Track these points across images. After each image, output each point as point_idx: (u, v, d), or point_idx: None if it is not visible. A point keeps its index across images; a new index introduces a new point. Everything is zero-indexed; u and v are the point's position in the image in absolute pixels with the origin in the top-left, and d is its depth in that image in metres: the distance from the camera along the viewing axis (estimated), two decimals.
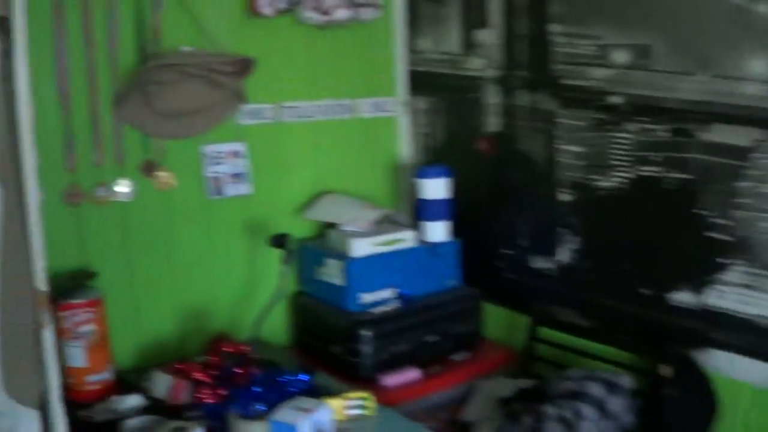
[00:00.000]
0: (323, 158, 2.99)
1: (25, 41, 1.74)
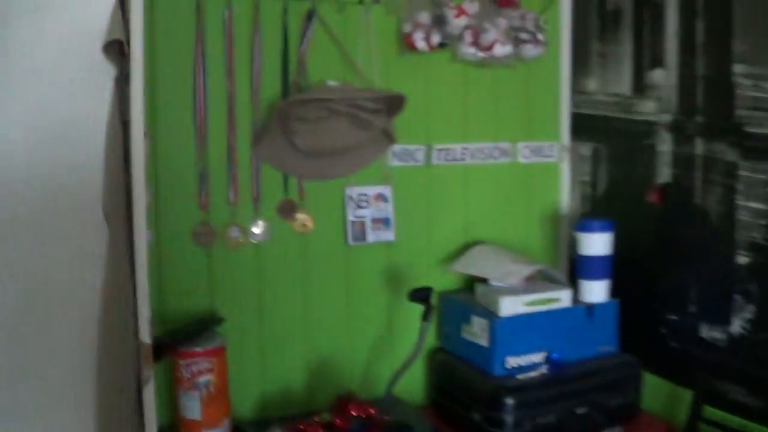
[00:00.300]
0: (474, 205, 2.79)
1: (141, 67, 1.67)
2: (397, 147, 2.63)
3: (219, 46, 2.40)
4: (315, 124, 2.39)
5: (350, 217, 2.60)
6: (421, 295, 2.41)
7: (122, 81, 1.69)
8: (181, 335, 2.20)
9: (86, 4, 1.82)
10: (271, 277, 2.53)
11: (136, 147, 1.64)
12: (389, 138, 2.56)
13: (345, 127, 2.42)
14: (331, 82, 2.48)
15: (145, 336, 1.65)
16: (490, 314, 2.46)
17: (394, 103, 2.46)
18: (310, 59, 2.49)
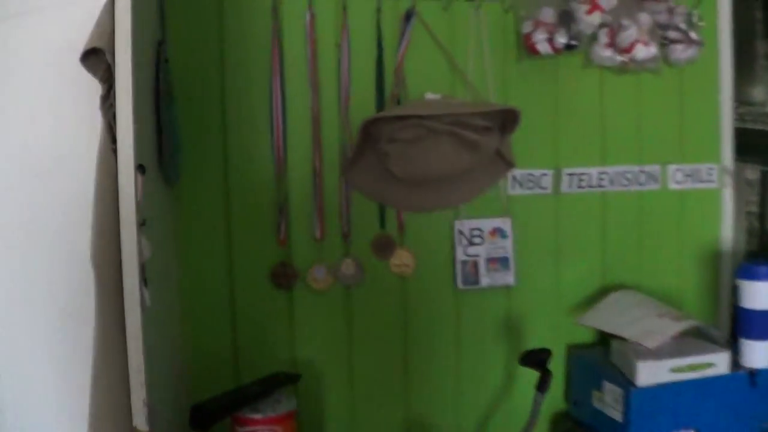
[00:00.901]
0: (613, 242, 2.31)
1: (130, 82, 1.31)
2: (517, 172, 2.21)
3: (300, 53, 2.07)
4: (411, 146, 1.99)
5: (460, 256, 2.19)
6: (535, 359, 1.96)
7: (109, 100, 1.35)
8: (243, 396, 1.83)
9: (70, 11, 1.50)
10: (363, 325, 2.16)
11: (125, 182, 1.29)
12: (506, 161, 2.13)
13: (448, 149, 2.00)
14: (430, 95, 2.09)
15: (141, 421, 1.29)
16: (626, 381, 1.99)
17: (507, 120, 2.03)
18: (409, 68, 2.12)
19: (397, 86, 2.10)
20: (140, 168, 1.32)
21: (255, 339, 2.07)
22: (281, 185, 2.05)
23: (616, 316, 2.13)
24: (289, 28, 2.05)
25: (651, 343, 1.99)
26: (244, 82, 2.03)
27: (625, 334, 2.04)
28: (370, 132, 2.01)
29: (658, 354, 1.99)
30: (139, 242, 1.31)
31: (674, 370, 1.98)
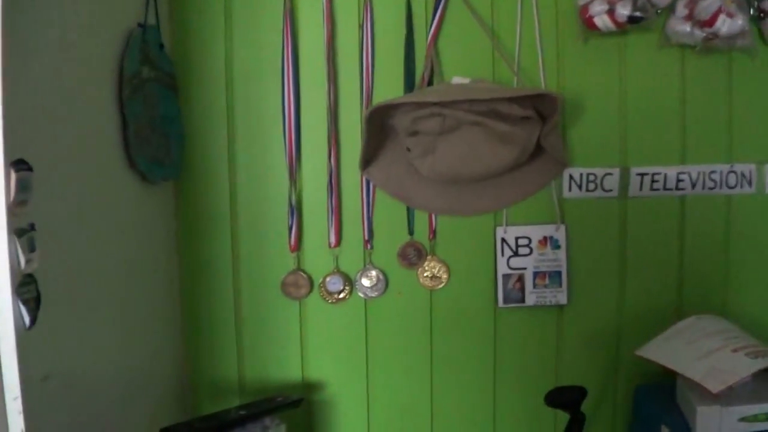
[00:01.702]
0: (692, 257, 1.92)
1: None
2: (574, 171, 1.88)
3: (316, 36, 1.85)
4: (436, 141, 1.74)
5: (502, 269, 1.90)
6: (565, 398, 1.66)
7: None
8: (221, 421, 1.64)
9: None
10: (385, 345, 1.93)
11: None
12: (559, 158, 1.82)
13: (480, 144, 1.72)
14: (458, 79, 1.80)
15: None
16: (686, 429, 1.63)
17: (548, 106, 1.72)
18: (444, 50, 1.85)
19: (429, 71, 1.83)
20: (18, 164, 1.13)
21: (261, 355, 1.90)
22: (293, 185, 1.84)
23: (683, 347, 1.76)
24: (304, 7, 1.84)
25: (714, 386, 1.62)
26: (252, 70, 1.84)
27: (687, 371, 1.67)
28: (387, 123, 1.77)
29: (726, 398, 1.61)
30: (12, 252, 1.12)
31: (745, 420, 1.60)
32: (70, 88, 1.34)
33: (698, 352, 1.70)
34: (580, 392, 1.65)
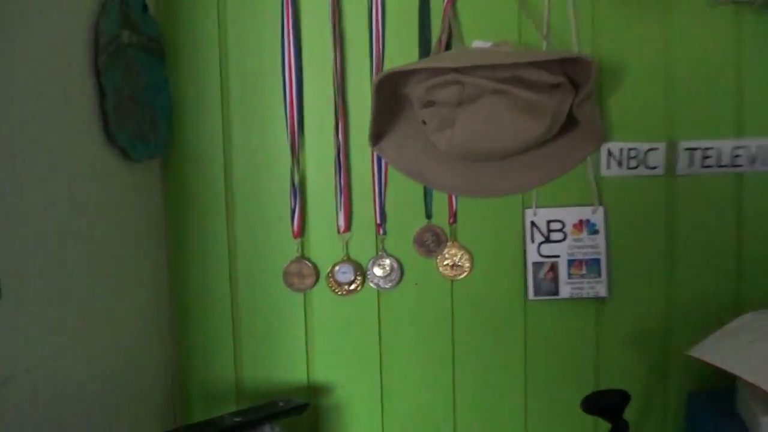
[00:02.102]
0: (752, 243, 1.69)
1: None
2: (613, 146, 1.66)
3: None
4: (455, 112, 1.53)
5: (533, 257, 1.69)
6: (605, 404, 1.45)
7: None
8: (213, 429, 1.45)
9: None
10: (401, 342, 1.72)
11: None
12: (595, 131, 1.61)
13: (503, 115, 1.52)
14: (478, 43, 1.59)
15: None
16: None
17: (582, 74, 1.51)
18: (463, 9, 1.64)
19: (447, 35, 1.62)
20: None
21: (261, 354, 1.71)
22: (295, 163, 1.65)
23: (743, 348, 1.52)
24: None
25: None
26: (248, 34, 1.65)
27: (749, 375, 1.44)
28: (400, 92, 1.57)
29: None
30: None
31: None
32: (36, 54, 1.16)
33: (761, 353, 1.47)
34: (622, 397, 1.43)
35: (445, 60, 1.51)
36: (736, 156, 1.65)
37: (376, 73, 1.62)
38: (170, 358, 1.68)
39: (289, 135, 1.64)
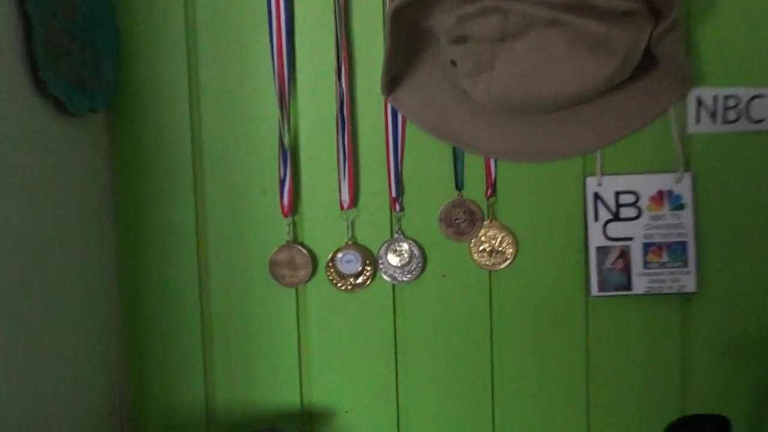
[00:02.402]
0: None
1: None
2: (704, 93, 1.26)
3: None
4: (495, 49, 1.15)
5: (596, 240, 1.29)
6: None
7: None
8: None
9: None
10: (423, 352, 1.33)
11: None
12: (680, 74, 1.23)
13: (561, 52, 1.13)
14: None
15: None
16: None
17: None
18: None
19: None
20: None
21: (240, 371, 1.34)
22: (285, 118, 1.27)
23: None
24: None
25: None
26: None
27: None
28: (422, 25, 1.20)
29: None
30: None
31: None
32: None
33: None
34: (719, 424, 1.08)
35: None
36: None
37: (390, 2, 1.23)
38: (119, 380, 1.30)
39: (276, 81, 1.26)
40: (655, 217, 1.28)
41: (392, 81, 1.25)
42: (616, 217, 1.28)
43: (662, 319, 1.30)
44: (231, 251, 1.30)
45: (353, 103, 1.28)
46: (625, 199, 1.29)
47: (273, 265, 1.29)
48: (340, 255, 1.29)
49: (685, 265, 1.28)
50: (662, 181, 1.28)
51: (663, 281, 1.29)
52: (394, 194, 1.28)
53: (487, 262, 1.30)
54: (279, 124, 1.27)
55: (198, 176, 1.29)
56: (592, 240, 1.29)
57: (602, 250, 1.29)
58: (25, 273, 1.02)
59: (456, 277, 1.30)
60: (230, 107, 1.28)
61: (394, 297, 1.31)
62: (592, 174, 1.28)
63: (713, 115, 1.27)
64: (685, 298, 1.30)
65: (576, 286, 1.29)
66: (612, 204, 1.29)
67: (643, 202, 1.28)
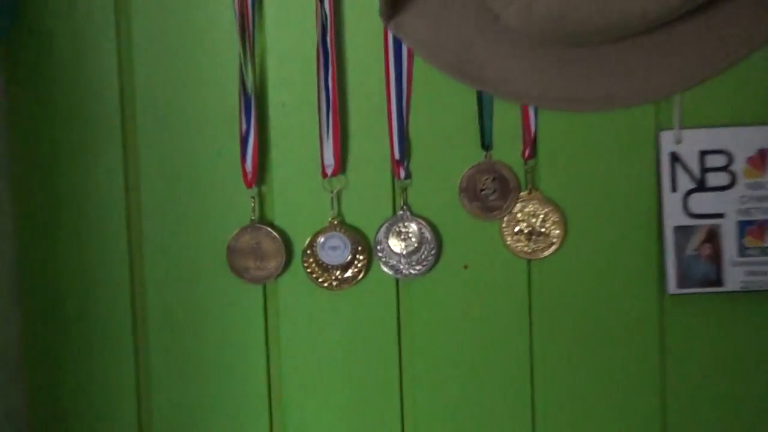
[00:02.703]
0: None
1: None
2: None
3: None
4: None
5: (673, 218, 0.98)
6: None
7: None
8: None
9: None
10: (436, 368, 1.01)
11: None
12: None
13: None
14: None
15: None
16: None
17: None
18: None
19: None
20: None
21: (188, 397, 1.01)
22: (248, 51, 0.96)
23: None
24: None
25: None
26: None
27: None
28: None
29: None
30: None
31: None
32: None
33: None
34: None
35: None
36: None
37: None
38: (20, 407, 0.98)
39: (236, 15, 0.93)
40: (754, 186, 0.97)
41: (395, 0, 0.92)
42: (700, 187, 0.97)
43: (765, 324, 0.97)
44: (173, 235, 0.97)
45: (340, 31, 0.95)
46: (713, 160, 0.97)
47: (232, 253, 0.97)
48: (321, 239, 0.97)
49: None
50: (765, 137, 0.96)
51: (766, 273, 0.97)
52: (396, 156, 0.96)
53: (526, 248, 0.98)
54: (239, 60, 0.94)
55: (128, 131, 0.97)
56: (668, 218, 0.97)
57: (682, 231, 0.97)
58: None
59: (483, 268, 0.98)
60: (171, 37, 0.95)
61: (397, 296, 0.99)
62: (669, 127, 0.95)
63: None
64: None
65: (646, 280, 0.98)
66: (695, 168, 0.97)
67: (739, 166, 0.97)
